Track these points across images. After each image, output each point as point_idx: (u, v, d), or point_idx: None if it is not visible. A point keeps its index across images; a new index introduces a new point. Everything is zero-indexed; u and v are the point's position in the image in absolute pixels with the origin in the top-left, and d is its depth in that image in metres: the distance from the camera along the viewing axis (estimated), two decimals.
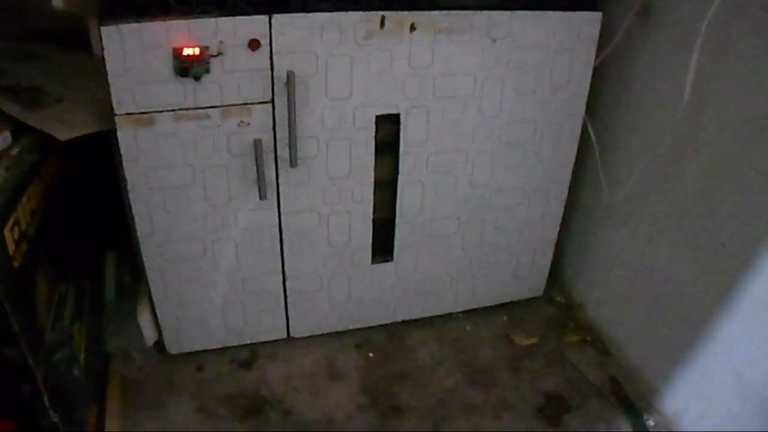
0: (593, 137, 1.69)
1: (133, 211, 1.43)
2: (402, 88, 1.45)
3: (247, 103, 1.36)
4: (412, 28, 1.38)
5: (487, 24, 1.43)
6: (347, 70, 1.39)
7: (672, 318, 1.52)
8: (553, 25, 1.48)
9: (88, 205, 1.71)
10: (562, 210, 1.79)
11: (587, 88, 1.60)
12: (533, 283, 1.92)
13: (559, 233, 1.84)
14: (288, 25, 1.31)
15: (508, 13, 1.43)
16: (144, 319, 1.66)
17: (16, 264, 1.19)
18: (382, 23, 1.36)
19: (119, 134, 1.33)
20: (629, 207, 1.65)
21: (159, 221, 1.46)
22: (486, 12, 1.42)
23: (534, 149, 1.64)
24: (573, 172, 1.73)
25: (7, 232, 1.16)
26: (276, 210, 1.51)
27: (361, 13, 1.35)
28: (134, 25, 1.23)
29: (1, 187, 1.19)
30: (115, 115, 1.31)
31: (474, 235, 1.72)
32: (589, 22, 1.50)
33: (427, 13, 1.38)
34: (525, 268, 1.85)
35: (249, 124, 1.38)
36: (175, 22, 1.25)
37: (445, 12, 1.39)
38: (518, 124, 1.58)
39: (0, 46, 1.76)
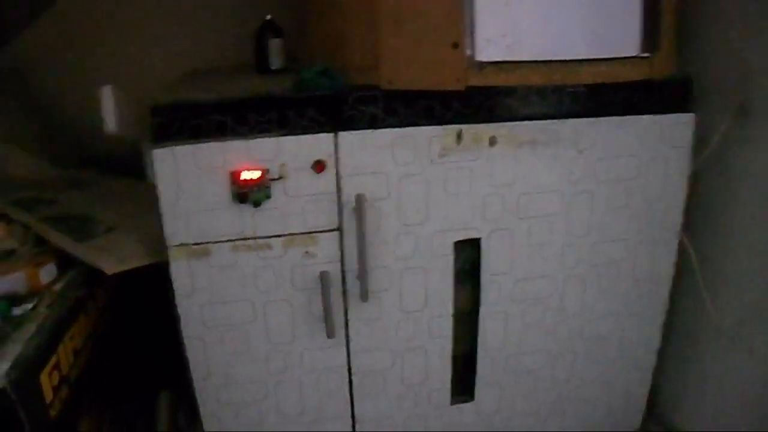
0: (692, 252, 1.43)
1: (187, 351, 1.21)
2: (482, 210, 1.22)
3: (312, 232, 1.15)
4: (492, 142, 1.18)
5: (573, 133, 1.22)
6: (422, 191, 1.18)
7: None
8: (643, 130, 1.25)
9: (139, 340, 1.52)
10: (660, 335, 1.50)
11: (683, 199, 1.34)
12: (629, 417, 1.60)
13: (657, 360, 1.54)
14: (356, 144, 1.12)
15: (594, 120, 1.22)
16: None
17: (53, 413, 1.00)
18: (459, 137, 1.16)
19: (172, 267, 1.14)
20: (741, 327, 1.35)
21: (215, 362, 1.23)
22: (571, 120, 1.21)
23: (628, 269, 1.37)
24: (671, 292, 1.45)
25: (44, 378, 0.98)
26: (345, 349, 1.27)
27: (435, 127, 1.14)
28: (189, 147, 1.06)
29: (39, 327, 1.02)
30: (168, 246, 1.12)
31: (564, 367, 1.44)
32: (681, 126, 1.27)
33: (507, 124, 1.18)
34: (620, 400, 1.55)
35: (314, 254, 1.17)
36: (233, 142, 1.07)
37: (526, 123, 1.19)
38: (610, 243, 1.33)
39: (51, 174, 1.63)
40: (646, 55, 1.20)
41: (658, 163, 1.30)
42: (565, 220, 1.28)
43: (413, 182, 1.17)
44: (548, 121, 1.21)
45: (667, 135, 1.28)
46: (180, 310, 1.18)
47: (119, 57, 1.76)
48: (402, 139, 1.14)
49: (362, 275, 1.16)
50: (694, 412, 1.57)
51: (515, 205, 1.24)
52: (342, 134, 1.12)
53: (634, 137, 1.26)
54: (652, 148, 1.28)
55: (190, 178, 1.09)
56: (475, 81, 1.11)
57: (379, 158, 1.14)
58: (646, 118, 1.26)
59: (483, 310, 1.32)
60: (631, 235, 1.34)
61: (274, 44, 1.42)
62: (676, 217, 1.37)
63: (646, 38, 1.20)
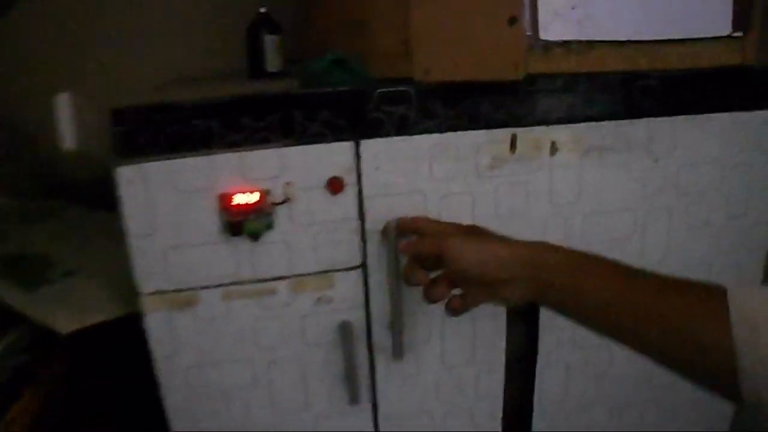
0: None
1: (171, 425, 0.95)
2: (542, 234, 0.96)
3: (327, 271, 0.89)
4: (553, 149, 0.92)
5: (647, 137, 0.96)
6: (467, 213, 0.91)
7: None
8: (724, 132, 1.01)
9: (110, 415, 1.23)
10: None
11: None
12: None
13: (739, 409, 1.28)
14: (383, 154, 0.86)
15: (670, 119, 0.97)
16: None
17: None
18: (513, 144, 0.90)
19: (148, 321, 0.87)
20: None
21: None
22: (644, 120, 0.96)
23: None
24: None
25: None
26: (371, 416, 1.00)
27: (483, 132, 0.89)
28: (164, 163, 0.80)
29: None
30: (141, 294, 0.86)
31: (632, 424, 1.18)
32: (766, 125, 1.04)
33: (570, 126, 0.92)
34: None
35: (331, 299, 0.90)
36: (222, 156, 0.81)
37: (593, 124, 0.94)
38: (689, 268, 1.07)
39: (9, 204, 1.37)
40: (738, 34, 0.95)
41: (742, 170, 1.06)
42: (639, 243, 1.03)
43: (457, 203, 0.91)
44: (617, 122, 0.95)
45: (752, 137, 1.04)
46: (160, 375, 0.92)
47: (87, 66, 1.50)
48: (443, 149, 0.88)
49: (396, 326, 0.89)
50: None
51: (579, 228, 0.99)
52: (365, 143, 0.86)
53: (714, 140, 1.02)
54: (735, 153, 1.04)
55: (167, 205, 0.83)
56: (539, 67, 0.85)
57: (413, 173, 0.88)
58: (728, 116, 1.01)
59: (540, 361, 1.05)
60: (712, 257, 1.10)
61: (270, 41, 1.17)
62: (763, 236, 1.13)
63: (737, 14, 0.95)
